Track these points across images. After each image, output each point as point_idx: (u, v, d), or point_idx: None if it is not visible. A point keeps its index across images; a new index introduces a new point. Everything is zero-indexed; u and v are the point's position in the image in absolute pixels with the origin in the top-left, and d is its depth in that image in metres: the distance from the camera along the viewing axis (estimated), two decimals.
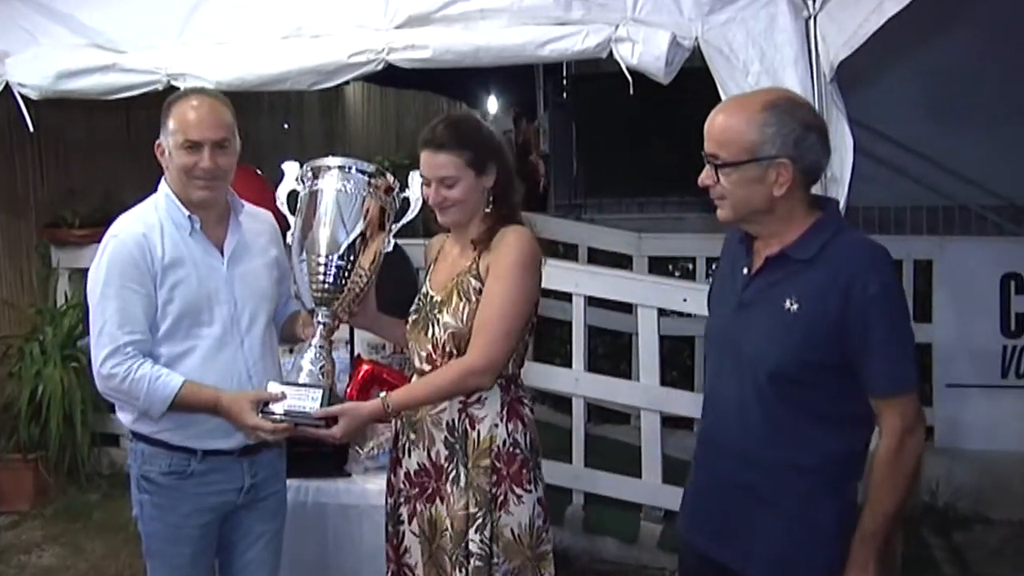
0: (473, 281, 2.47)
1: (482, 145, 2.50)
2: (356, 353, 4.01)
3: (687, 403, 4.16)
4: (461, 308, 2.45)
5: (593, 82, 7.27)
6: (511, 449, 2.50)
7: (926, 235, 5.79)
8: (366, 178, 2.47)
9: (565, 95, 9.03)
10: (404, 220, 2.55)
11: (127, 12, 3.75)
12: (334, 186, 2.46)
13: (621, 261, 5.80)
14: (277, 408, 2.44)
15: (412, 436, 2.55)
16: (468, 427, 2.49)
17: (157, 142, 2.58)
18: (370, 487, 3.42)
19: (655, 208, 7.51)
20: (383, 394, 2.50)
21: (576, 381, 4.38)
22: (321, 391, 2.46)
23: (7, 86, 3.81)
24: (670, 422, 4.35)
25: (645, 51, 3.21)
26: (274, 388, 2.47)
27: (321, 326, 2.53)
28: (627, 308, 5.08)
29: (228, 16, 3.68)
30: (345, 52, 3.50)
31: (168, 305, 2.52)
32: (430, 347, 2.51)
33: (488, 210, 2.52)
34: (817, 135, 2.01)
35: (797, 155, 1.97)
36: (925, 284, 5.12)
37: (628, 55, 3.23)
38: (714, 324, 2.25)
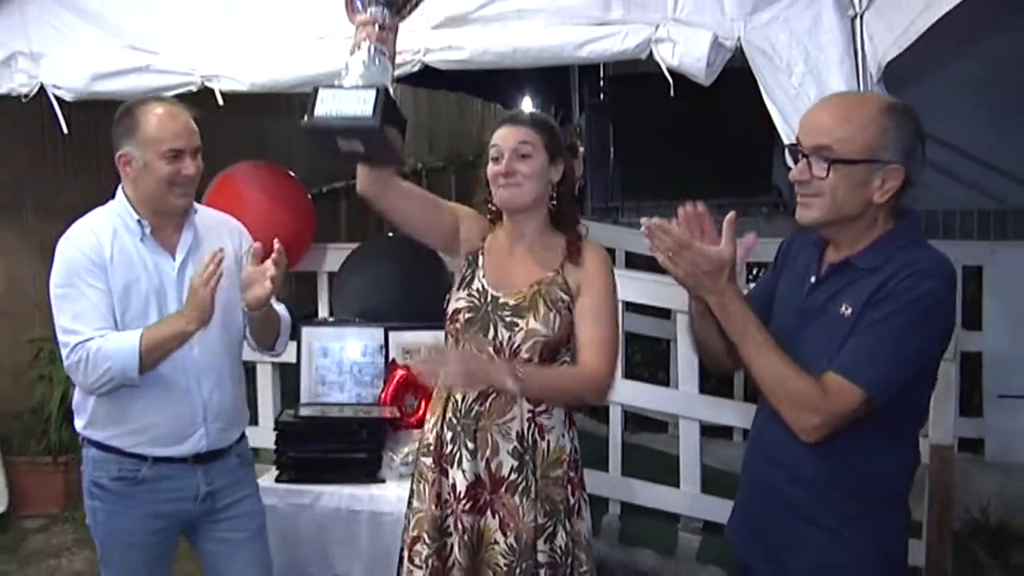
0: (561, 294, 2.47)
1: (558, 137, 2.55)
2: (391, 358, 4.02)
3: (727, 411, 4.11)
4: (552, 318, 2.44)
5: (630, 83, 7.22)
6: (575, 456, 2.53)
7: (976, 240, 5.68)
8: None
9: (602, 96, 8.96)
10: None
11: (161, 12, 3.75)
12: None
13: (659, 266, 5.69)
14: (322, 110, 2.17)
15: (470, 445, 2.46)
16: (538, 437, 2.47)
17: (120, 153, 2.63)
18: (404, 493, 3.36)
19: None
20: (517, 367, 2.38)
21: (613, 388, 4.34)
22: (374, 91, 2.16)
23: (41, 87, 3.82)
24: (709, 431, 4.29)
25: (686, 52, 3.17)
26: (323, 92, 2.19)
27: (374, 25, 2.27)
28: (665, 314, 5.02)
29: (262, 17, 3.67)
30: None
31: (118, 304, 2.59)
32: (491, 350, 2.45)
33: (552, 206, 2.55)
34: (923, 146, 1.95)
35: (909, 164, 1.91)
36: (975, 291, 5.02)
37: (668, 56, 3.20)
38: (774, 332, 2.16)
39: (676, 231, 1.93)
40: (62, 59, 3.81)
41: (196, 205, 2.77)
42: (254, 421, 4.75)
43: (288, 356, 4.46)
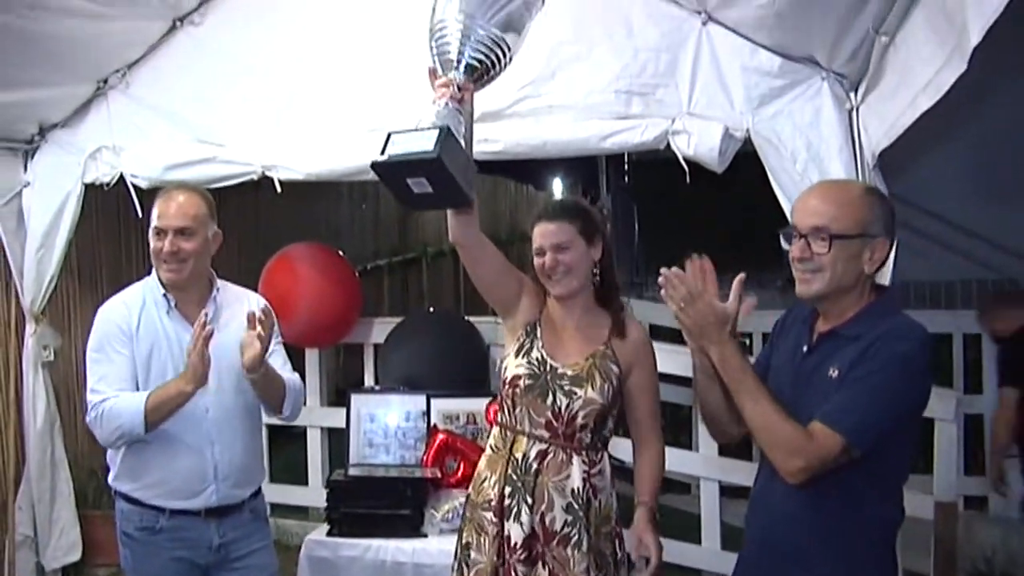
0: (613, 366, 2.67)
1: (591, 219, 2.74)
2: (432, 423, 4.25)
3: (744, 472, 4.24)
4: (606, 388, 2.64)
5: (652, 167, 7.44)
6: (619, 514, 2.73)
7: (975, 309, 5.87)
8: None
9: (626, 179, 9.29)
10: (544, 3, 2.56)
11: (226, 110, 4.07)
12: None
13: (680, 337, 5.85)
14: (390, 150, 2.25)
15: (529, 500, 2.61)
16: (591, 496, 2.64)
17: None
18: (445, 547, 3.55)
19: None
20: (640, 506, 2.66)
21: None
22: (437, 130, 2.23)
23: (121, 176, 4.15)
24: (729, 491, 4.44)
25: (700, 143, 3.40)
26: (395, 136, 2.28)
27: (454, 88, 2.39)
28: (687, 382, 5.19)
29: (317, 112, 3.96)
30: None
31: (141, 370, 2.82)
32: (549, 414, 2.64)
33: (596, 282, 2.75)
34: (895, 224, 2.15)
35: (890, 237, 2.11)
36: (976, 357, 5.17)
37: (684, 146, 3.43)
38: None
39: (690, 281, 2.12)
40: (140, 151, 4.15)
41: (221, 282, 3.01)
42: (304, 481, 5.04)
43: (335, 421, 4.78)
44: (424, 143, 2.19)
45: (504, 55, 2.44)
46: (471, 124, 2.45)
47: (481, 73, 2.44)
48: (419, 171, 2.22)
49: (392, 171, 2.26)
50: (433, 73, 2.47)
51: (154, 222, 2.87)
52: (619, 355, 2.70)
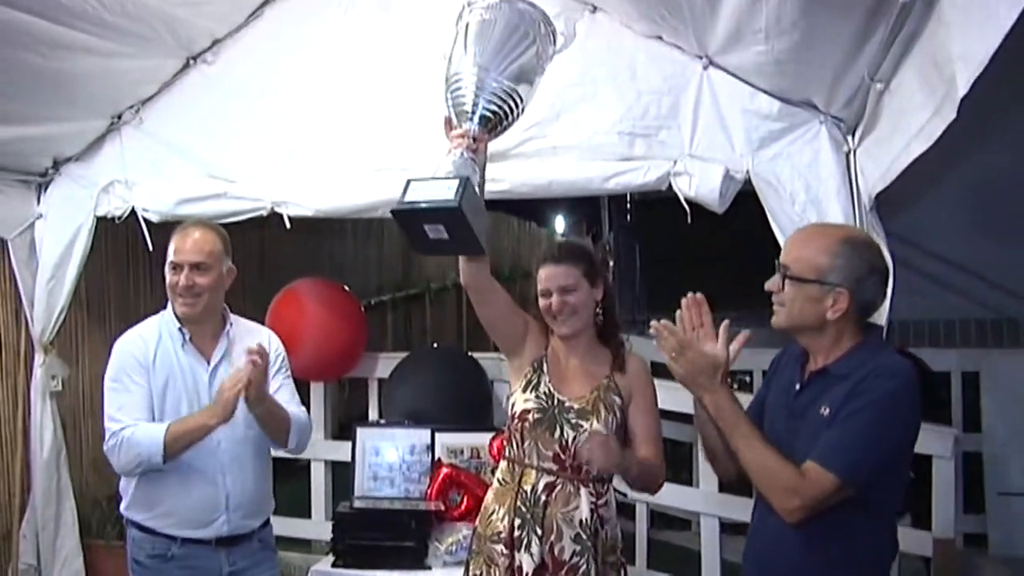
0: (616, 398, 2.77)
1: (593, 262, 2.84)
2: (437, 457, 4.29)
3: (744, 508, 4.24)
4: (611, 420, 2.74)
5: (654, 206, 7.47)
6: (623, 543, 2.82)
7: (974, 348, 5.88)
8: (539, 17, 2.58)
9: (629, 217, 9.33)
10: (556, 53, 2.67)
11: (237, 147, 4.14)
12: (512, 12, 2.54)
13: None
14: (410, 197, 2.31)
15: (539, 531, 2.68)
16: (599, 526, 2.72)
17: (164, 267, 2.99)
18: None
19: (715, 323, 7.65)
20: None
21: None
22: (458, 180, 2.30)
23: (132, 210, 4.21)
24: (729, 527, 4.44)
25: (701, 184, 3.46)
26: (414, 183, 2.35)
27: (470, 139, 2.47)
28: (688, 419, 5.23)
29: (325, 151, 4.04)
30: None
31: (157, 400, 2.89)
32: (557, 448, 2.72)
33: (598, 321, 2.84)
34: (879, 277, 2.20)
35: (857, 289, 2.14)
36: (974, 395, 5.20)
37: (685, 187, 3.50)
38: (768, 433, 2.35)
39: (680, 333, 2.21)
40: (151, 186, 4.21)
41: (234, 318, 3.09)
42: (307, 514, 5.06)
43: (338, 455, 4.80)
44: (445, 192, 2.27)
45: (517, 105, 2.53)
46: (484, 172, 2.53)
47: (495, 124, 2.53)
48: (438, 219, 2.30)
49: (411, 217, 2.33)
50: (448, 123, 2.56)
51: (171, 257, 2.94)
52: (620, 386, 2.80)
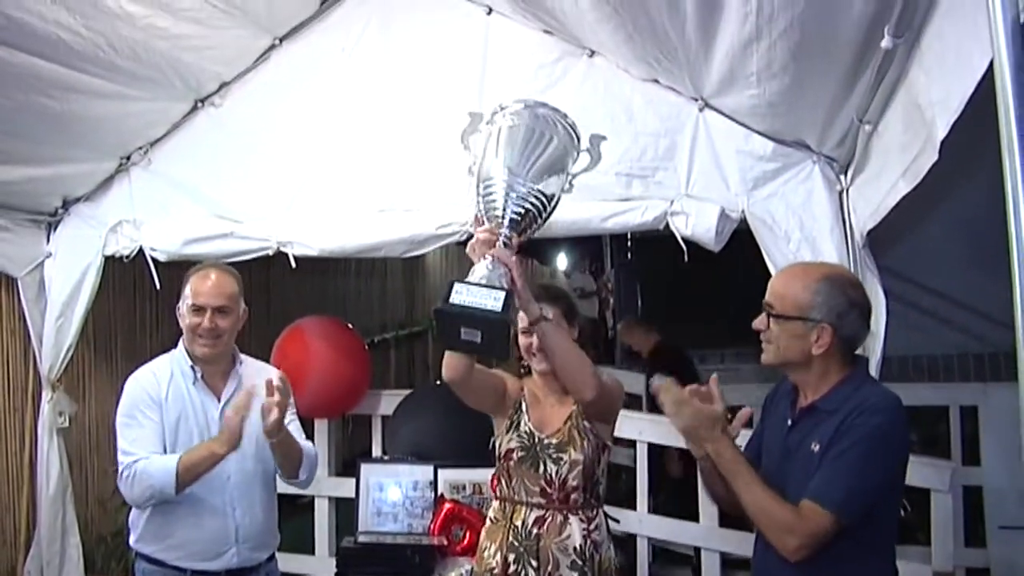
0: (585, 423, 2.86)
1: (571, 302, 2.97)
2: (440, 493, 4.34)
3: (746, 543, 4.24)
4: (586, 445, 2.83)
5: (654, 244, 7.53)
6: (619, 565, 2.89)
7: (972, 382, 5.89)
8: (562, 121, 2.64)
9: (629, 255, 9.47)
10: (580, 171, 2.73)
11: (244, 187, 4.21)
12: (533, 118, 2.61)
13: None
14: (456, 299, 2.38)
15: (534, 563, 2.77)
16: (593, 551, 2.80)
17: (177, 305, 3.06)
18: None
19: (714, 360, 7.69)
20: None
21: (640, 522, 4.59)
22: (504, 292, 2.39)
23: (140, 249, 4.26)
24: (730, 563, 4.47)
25: (697, 223, 3.52)
26: (458, 285, 2.42)
27: (500, 244, 2.54)
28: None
29: (331, 191, 4.11)
30: (434, 224, 3.87)
31: (169, 435, 2.95)
32: (543, 483, 2.83)
33: None
34: (859, 313, 2.25)
35: (839, 324, 2.22)
36: (973, 429, 5.22)
37: (682, 226, 3.55)
38: (764, 469, 2.42)
39: (675, 390, 2.30)
40: (159, 226, 4.27)
41: (244, 357, 3.17)
42: (311, 550, 5.08)
43: (342, 492, 4.84)
44: (491, 302, 2.36)
45: (546, 205, 2.58)
46: (510, 275, 2.55)
47: (525, 226, 2.58)
48: (478, 324, 2.38)
49: (452, 318, 2.40)
50: (478, 220, 2.64)
51: (191, 299, 3.00)
52: (586, 408, 2.85)
